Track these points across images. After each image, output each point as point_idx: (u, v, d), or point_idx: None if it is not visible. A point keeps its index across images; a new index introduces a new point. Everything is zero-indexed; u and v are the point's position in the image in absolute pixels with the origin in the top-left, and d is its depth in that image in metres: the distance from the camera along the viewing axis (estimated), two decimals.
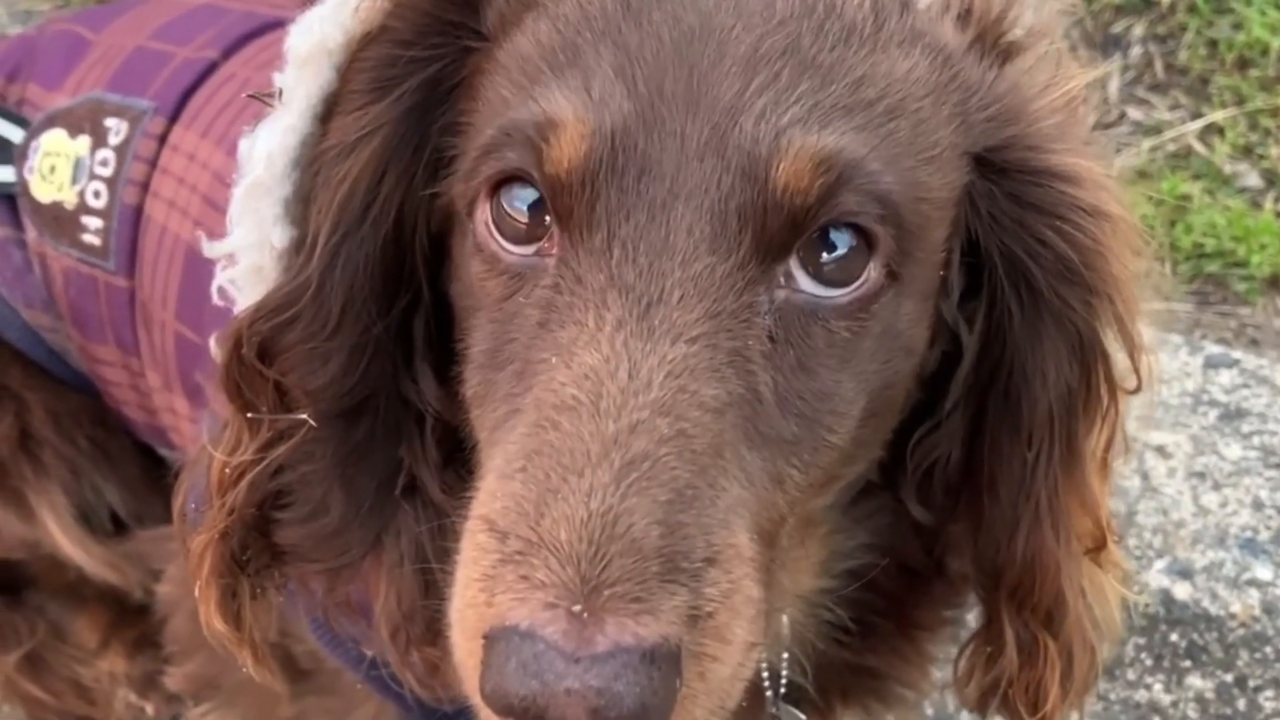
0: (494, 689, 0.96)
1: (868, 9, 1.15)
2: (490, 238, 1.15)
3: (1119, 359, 1.27)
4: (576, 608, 0.95)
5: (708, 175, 1.07)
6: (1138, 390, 1.30)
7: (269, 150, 1.23)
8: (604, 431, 1.01)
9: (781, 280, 1.11)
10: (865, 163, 1.09)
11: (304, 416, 1.25)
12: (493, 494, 1.04)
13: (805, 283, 1.11)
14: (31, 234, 1.94)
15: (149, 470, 2.12)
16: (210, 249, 1.28)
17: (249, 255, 1.26)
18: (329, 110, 1.24)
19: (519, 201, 1.13)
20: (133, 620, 2.24)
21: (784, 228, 1.08)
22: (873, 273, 1.13)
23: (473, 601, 1.01)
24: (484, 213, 1.15)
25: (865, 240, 1.12)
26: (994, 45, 1.22)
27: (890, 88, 1.13)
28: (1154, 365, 1.31)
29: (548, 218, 1.12)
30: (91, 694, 2.23)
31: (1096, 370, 1.26)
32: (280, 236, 1.25)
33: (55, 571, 2.16)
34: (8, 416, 2.01)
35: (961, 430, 1.31)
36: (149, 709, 2.22)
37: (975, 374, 1.28)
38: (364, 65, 1.22)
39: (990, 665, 1.39)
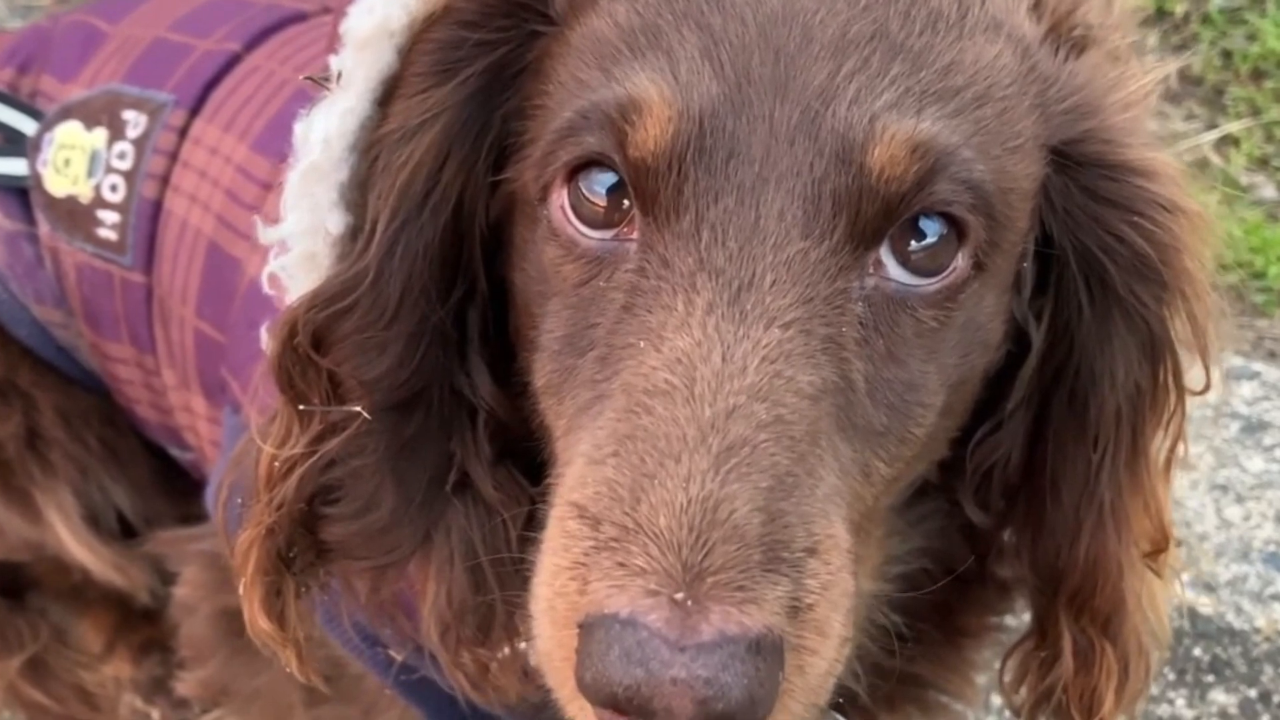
0: (595, 677, 0.93)
1: None
2: (567, 222, 1.12)
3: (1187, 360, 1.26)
4: (679, 595, 0.93)
5: (799, 159, 1.05)
6: (1205, 391, 1.28)
7: (326, 134, 1.20)
8: (700, 416, 0.99)
9: (871, 268, 1.09)
10: (959, 150, 1.07)
11: (357, 409, 1.22)
12: (582, 480, 1.01)
13: (895, 270, 1.09)
14: (44, 228, 1.91)
15: (158, 472, 2.10)
16: (263, 235, 1.24)
17: (302, 242, 1.23)
18: (389, 94, 1.20)
19: (598, 185, 1.11)
20: (138, 624, 2.21)
21: (878, 214, 1.06)
22: (960, 262, 1.11)
23: (563, 590, 0.98)
24: (560, 197, 1.12)
25: (956, 229, 1.10)
26: (1068, 37, 1.21)
27: (978, 75, 1.11)
28: (1221, 369, 1.29)
29: (626, 201, 1.10)
30: (96, 699, 2.19)
31: (1165, 369, 1.24)
32: (336, 222, 1.21)
33: (59, 574, 2.13)
34: (16, 415, 1.98)
35: (1023, 430, 1.29)
36: (154, 715, 2.19)
37: (1040, 373, 1.26)
38: (427, 48, 1.19)
39: (1045, 672, 1.37)
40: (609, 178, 1.10)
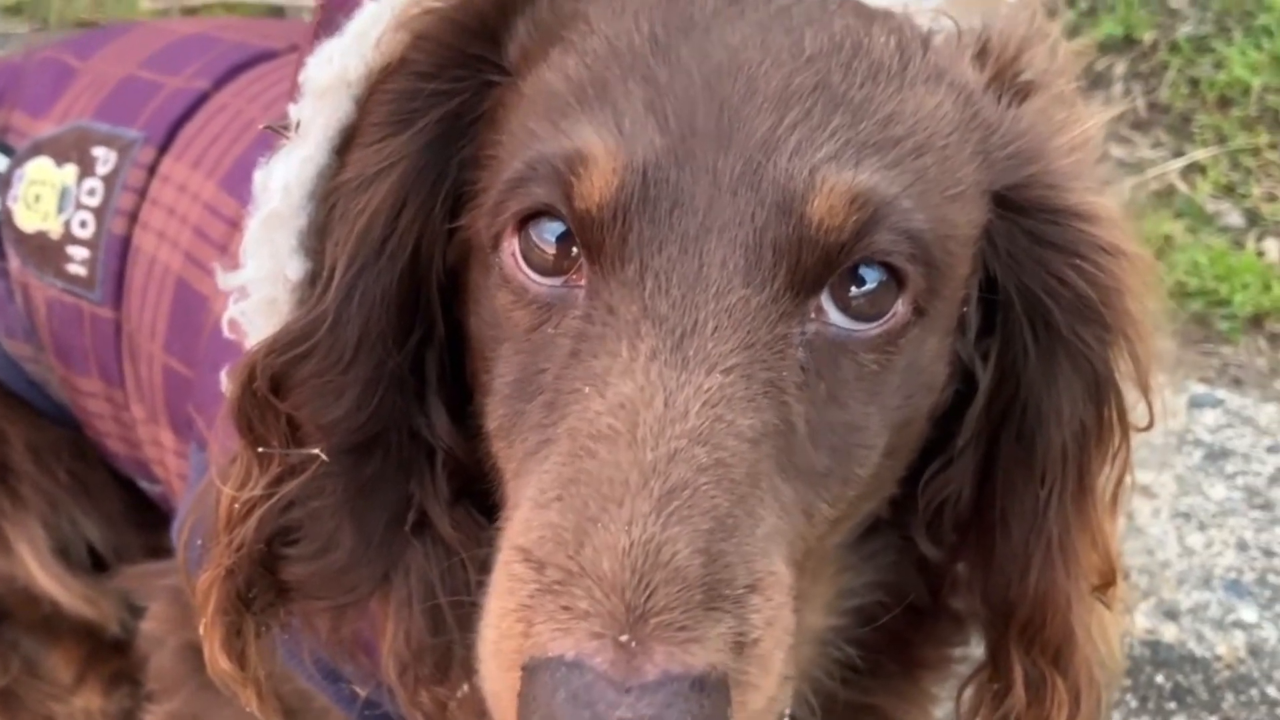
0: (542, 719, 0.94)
1: (893, 47, 1.16)
2: (518, 269, 1.14)
3: (1131, 397, 1.28)
4: (624, 637, 0.94)
5: (741, 209, 1.07)
6: (1149, 428, 1.30)
7: (286, 181, 1.22)
8: (642, 460, 1.01)
9: (812, 314, 1.11)
10: (898, 200, 1.09)
11: (316, 451, 1.24)
12: (527, 524, 1.03)
13: (835, 316, 1.12)
14: (14, 263, 1.92)
15: (128, 504, 2.10)
16: (224, 281, 1.26)
17: (262, 288, 1.25)
18: (346, 142, 1.23)
19: (547, 234, 1.13)
20: (108, 656, 2.21)
21: (818, 263, 1.08)
22: (900, 308, 1.13)
23: (509, 633, 1.00)
24: (511, 245, 1.14)
25: (895, 277, 1.12)
26: (1011, 84, 1.23)
27: (918, 125, 1.13)
28: (1166, 404, 1.32)
29: (575, 249, 1.12)
30: None
31: (1110, 408, 1.26)
32: (295, 269, 1.23)
33: (29, 606, 2.12)
34: None
35: (973, 467, 1.31)
36: None
37: (988, 412, 1.29)
38: (384, 98, 1.21)
39: (997, 703, 1.39)
40: (558, 226, 1.12)
